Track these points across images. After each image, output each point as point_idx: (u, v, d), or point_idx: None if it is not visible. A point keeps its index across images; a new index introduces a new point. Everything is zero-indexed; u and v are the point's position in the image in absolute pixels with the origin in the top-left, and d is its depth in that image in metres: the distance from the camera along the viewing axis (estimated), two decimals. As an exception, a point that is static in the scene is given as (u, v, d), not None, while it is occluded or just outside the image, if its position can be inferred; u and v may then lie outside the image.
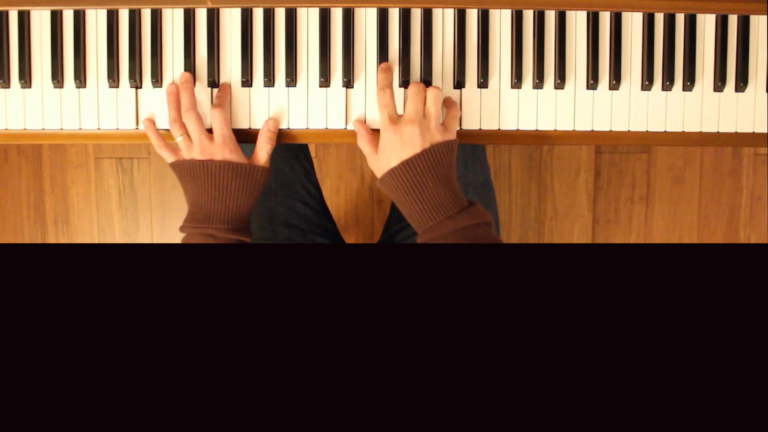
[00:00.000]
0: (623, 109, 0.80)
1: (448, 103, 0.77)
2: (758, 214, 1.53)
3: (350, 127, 0.79)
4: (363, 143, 0.76)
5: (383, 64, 0.77)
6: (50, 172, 1.48)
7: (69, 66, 0.78)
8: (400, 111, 0.78)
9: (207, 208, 0.74)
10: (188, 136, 0.75)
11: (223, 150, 0.74)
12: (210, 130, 0.76)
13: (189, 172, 0.75)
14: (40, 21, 0.78)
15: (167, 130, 0.78)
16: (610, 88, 0.80)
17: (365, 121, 0.78)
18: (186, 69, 0.78)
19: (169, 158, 0.76)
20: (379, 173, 0.74)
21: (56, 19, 0.77)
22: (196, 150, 0.74)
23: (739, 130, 0.81)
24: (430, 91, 0.73)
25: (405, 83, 0.78)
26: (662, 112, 0.80)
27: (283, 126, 0.79)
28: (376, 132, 0.77)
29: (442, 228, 0.70)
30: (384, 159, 0.72)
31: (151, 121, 0.78)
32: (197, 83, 0.78)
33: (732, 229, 1.53)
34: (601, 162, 1.50)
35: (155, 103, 0.78)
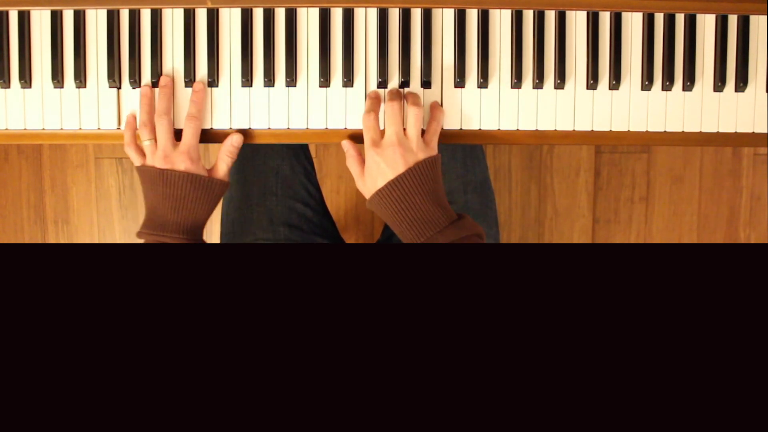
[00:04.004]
0: (623, 109, 0.80)
1: (432, 111, 0.77)
2: (758, 214, 1.53)
3: (350, 126, 0.79)
4: (352, 164, 0.76)
5: (372, 92, 0.78)
6: (50, 172, 1.48)
7: (69, 66, 0.78)
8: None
9: (163, 217, 0.74)
10: (155, 141, 0.75)
11: (185, 159, 0.74)
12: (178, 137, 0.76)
13: (150, 178, 0.75)
14: (40, 21, 0.78)
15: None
16: (610, 88, 0.80)
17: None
18: (186, 69, 0.78)
19: (136, 160, 0.76)
20: (367, 195, 0.75)
21: (56, 19, 0.77)
22: (158, 156, 0.74)
23: (739, 130, 0.81)
24: (410, 111, 0.73)
25: (405, 83, 0.78)
26: (662, 112, 0.80)
27: (283, 126, 0.79)
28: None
29: (433, 243, 0.70)
30: (370, 181, 0.73)
31: (134, 118, 0.78)
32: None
33: (732, 229, 1.53)
34: (601, 162, 1.50)
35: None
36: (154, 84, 0.78)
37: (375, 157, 0.73)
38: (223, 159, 0.77)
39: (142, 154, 0.76)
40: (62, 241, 1.50)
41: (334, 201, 1.50)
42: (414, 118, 0.73)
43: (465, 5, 0.78)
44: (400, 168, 0.72)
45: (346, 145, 0.78)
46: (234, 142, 0.78)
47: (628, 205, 1.52)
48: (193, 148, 0.75)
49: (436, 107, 0.77)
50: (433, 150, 0.75)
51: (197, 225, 0.76)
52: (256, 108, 0.78)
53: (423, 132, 0.76)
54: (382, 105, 0.77)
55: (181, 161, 0.74)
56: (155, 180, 0.74)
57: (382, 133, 0.74)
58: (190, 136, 0.75)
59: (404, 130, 0.73)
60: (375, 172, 0.73)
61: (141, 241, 0.76)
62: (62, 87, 0.78)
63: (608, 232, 1.52)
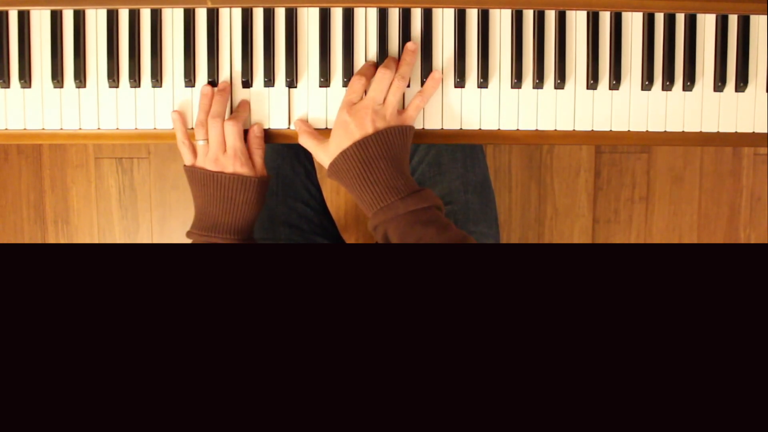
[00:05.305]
0: (623, 109, 0.80)
1: (426, 83, 0.77)
2: (758, 214, 1.53)
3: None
4: (305, 139, 0.77)
5: (371, 60, 0.78)
6: (50, 172, 1.48)
7: (69, 66, 0.78)
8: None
9: (214, 218, 0.76)
10: (208, 142, 0.76)
11: (234, 162, 0.75)
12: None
13: (200, 180, 0.76)
14: (40, 21, 0.78)
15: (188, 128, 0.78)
16: (610, 88, 0.80)
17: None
18: (186, 69, 0.78)
19: (188, 158, 0.77)
20: (329, 158, 0.75)
21: (56, 19, 0.77)
22: (210, 157, 0.75)
23: (739, 130, 0.81)
24: (395, 82, 0.74)
25: (405, 83, 0.78)
26: (662, 112, 0.80)
27: (284, 126, 0.79)
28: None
29: (393, 209, 0.71)
30: (335, 143, 0.74)
31: (181, 114, 0.78)
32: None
33: (732, 229, 1.53)
34: (601, 162, 1.50)
35: (159, 102, 0.78)
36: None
37: (346, 116, 0.73)
38: (255, 153, 0.78)
39: (194, 152, 0.77)
40: (62, 241, 1.50)
41: (335, 201, 1.50)
42: (396, 88, 0.74)
43: (465, 5, 0.78)
44: (368, 130, 0.72)
45: (298, 123, 0.78)
46: (256, 133, 0.78)
47: (628, 205, 1.52)
48: (240, 151, 0.75)
49: (429, 84, 0.77)
50: (407, 121, 0.75)
51: (248, 225, 0.77)
52: (256, 108, 0.78)
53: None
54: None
55: (230, 164, 0.75)
56: (206, 182, 0.75)
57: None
58: (233, 138, 0.75)
59: (384, 99, 0.74)
60: (341, 132, 0.73)
61: (190, 240, 0.77)
62: (62, 87, 0.78)
63: (608, 232, 1.52)
